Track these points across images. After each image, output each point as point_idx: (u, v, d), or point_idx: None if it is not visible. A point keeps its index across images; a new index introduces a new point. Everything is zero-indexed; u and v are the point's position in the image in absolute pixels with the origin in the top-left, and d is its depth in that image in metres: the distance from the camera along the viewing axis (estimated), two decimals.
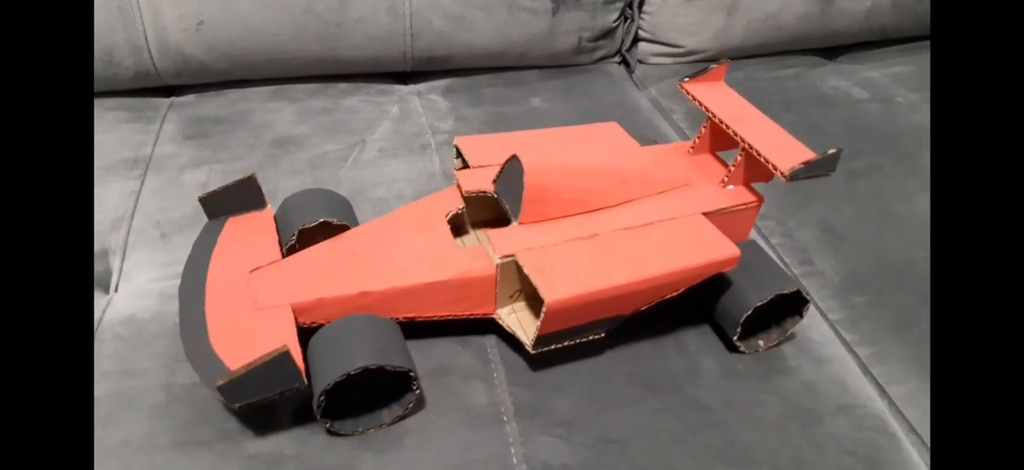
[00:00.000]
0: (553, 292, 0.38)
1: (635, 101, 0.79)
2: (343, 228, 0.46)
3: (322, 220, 0.46)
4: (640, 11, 0.83)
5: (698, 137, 0.52)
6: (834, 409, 0.47)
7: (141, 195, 0.55)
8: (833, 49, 0.91)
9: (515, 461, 0.40)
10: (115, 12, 0.62)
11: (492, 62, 0.75)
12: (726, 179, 0.49)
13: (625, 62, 0.86)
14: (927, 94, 0.81)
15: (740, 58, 0.86)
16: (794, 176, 0.44)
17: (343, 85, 0.72)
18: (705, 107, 0.50)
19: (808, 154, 0.45)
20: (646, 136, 0.70)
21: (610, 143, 0.54)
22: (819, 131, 0.73)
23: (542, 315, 0.38)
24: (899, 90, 0.82)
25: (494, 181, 0.46)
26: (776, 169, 0.44)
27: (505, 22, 0.72)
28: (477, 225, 0.49)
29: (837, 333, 0.56)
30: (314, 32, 0.67)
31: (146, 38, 0.63)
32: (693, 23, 0.81)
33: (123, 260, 0.50)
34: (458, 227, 0.48)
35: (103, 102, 0.66)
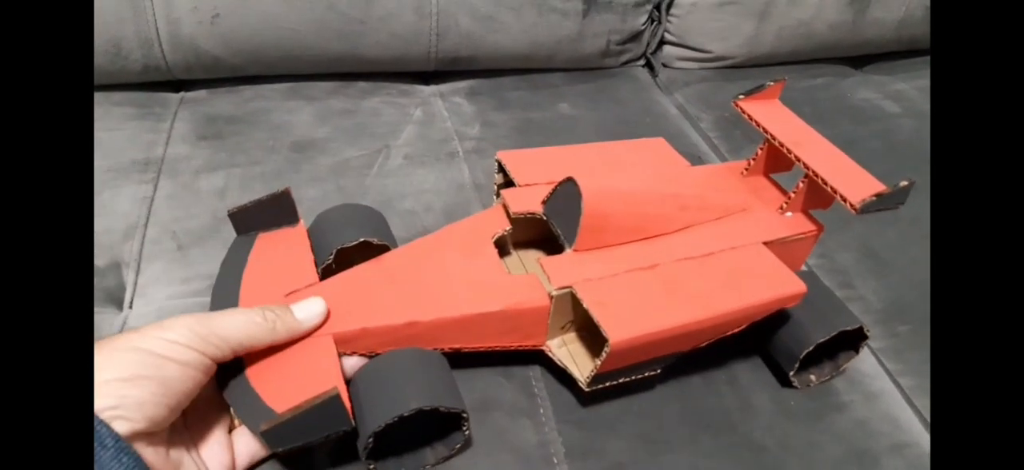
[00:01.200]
0: (617, 331, 0.35)
1: (663, 108, 0.76)
2: (383, 248, 0.43)
3: (362, 240, 0.43)
4: (668, 13, 0.80)
5: (753, 158, 0.50)
6: (888, 448, 0.45)
7: (155, 202, 0.52)
8: (860, 58, 0.89)
9: None
10: (125, 3, 0.58)
11: (518, 64, 0.72)
12: (784, 206, 0.47)
13: (650, 65, 0.84)
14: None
15: (768, 65, 0.84)
16: (865, 209, 0.41)
17: (363, 84, 0.69)
18: (763, 128, 0.47)
19: (878, 185, 0.42)
20: (677, 146, 0.67)
21: (660, 161, 0.51)
22: (856, 147, 0.70)
23: (604, 354, 0.36)
24: (927, 104, 0.80)
25: (544, 203, 0.43)
26: (846, 200, 0.42)
27: (534, 23, 0.69)
28: (517, 246, 0.47)
29: (880, 363, 0.54)
30: (336, 28, 0.63)
31: (157, 30, 0.60)
32: (723, 28, 0.79)
33: (137, 274, 0.47)
34: (503, 249, 0.45)
35: (109, 96, 0.62)
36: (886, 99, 0.80)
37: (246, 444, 0.36)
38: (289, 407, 0.31)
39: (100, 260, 0.47)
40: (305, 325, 0.35)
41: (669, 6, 0.80)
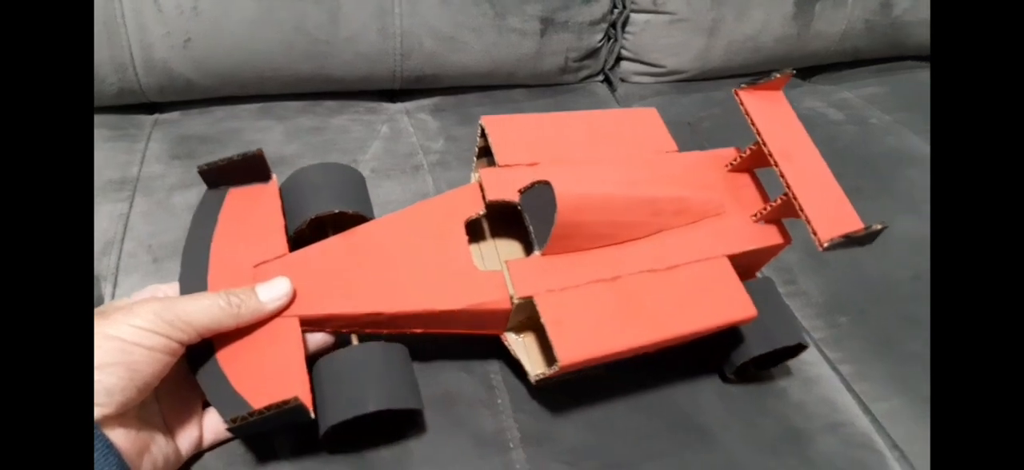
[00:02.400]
0: (567, 353, 0.37)
1: None
2: (360, 218, 0.43)
3: (339, 211, 0.43)
4: (624, 31, 0.84)
5: (742, 154, 0.48)
6: (824, 428, 0.49)
7: (131, 218, 0.54)
8: (807, 70, 0.94)
9: None
10: (100, 28, 0.61)
11: (480, 81, 0.75)
12: (759, 215, 0.47)
13: (608, 81, 0.88)
14: (900, 115, 0.84)
15: (720, 78, 0.88)
16: (831, 247, 0.41)
17: (331, 103, 0.71)
18: (756, 129, 0.45)
19: (853, 221, 0.42)
20: None
21: (647, 140, 0.50)
22: None
23: (554, 369, 0.38)
24: (873, 111, 0.85)
25: (521, 192, 0.42)
26: (815, 234, 0.41)
27: (495, 43, 0.72)
28: (491, 213, 0.45)
29: (821, 352, 0.58)
30: (304, 50, 0.66)
31: (132, 55, 0.62)
32: (675, 44, 0.83)
33: (115, 286, 0.49)
34: (474, 228, 0.45)
35: None
36: (830, 107, 0.85)
37: (214, 422, 0.38)
38: (258, 404, 0.33)
39: None
40: (270, 308, 0.37)
41: (624, 24, 0.84)
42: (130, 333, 0.32)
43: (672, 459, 0.43)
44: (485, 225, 0.46)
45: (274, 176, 0.43)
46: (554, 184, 0.39)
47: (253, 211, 0.41)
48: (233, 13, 0.63)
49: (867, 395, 0.55)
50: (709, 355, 0.49)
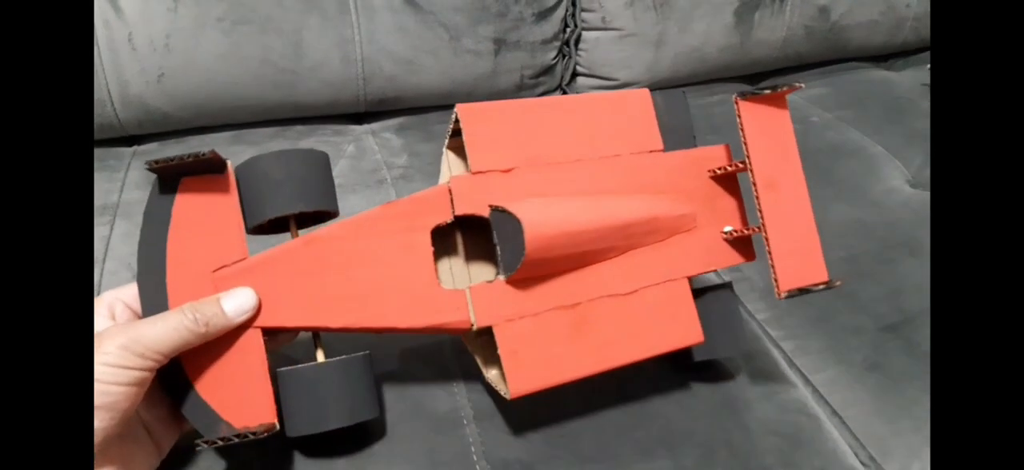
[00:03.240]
0: (519, 386, 0.41)
1: None
2: (325, 214, 0.43)
3: (299, 211, 0.41)
4: (577, 48, 0.89)
5: (733, 164, 0.48)
6: (761, 396, 0.53)
7: (111, 240, 0.58)
8: (755, 76, 1.00)
9: (476, 459, 0.44)
10: None
11: (441, 101, 0.80)
12: (731, 233, 0.48)
13: (565, 95, 0.93)
14: (840, 113, 0.90)
15: (669, 87, 0.93)
16: (788, 297, 0.43)
17: (300, 127, 0.76)
18: (747, 150, 0.44)
19: (815, 275, 0.45)
20: None
21: (632, 134, 0.47)
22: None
23: (506, 394, 0.41)
24: (815, 110, 0.91)
25: (491, 208, 0.42)
26: (776, 281, 0.43)
27: (451, 64, 0.77)
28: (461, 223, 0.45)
29: (764, 331, 0.62)
30: (271, 80, 0.71)
31: (109, 91, 0.67)
32: (625, 57, 0.88)
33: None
34: (439, 231, 0.43)
35: None
36: None
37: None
38: (229, 418, 0.37)
39: None
40: (236, 321, 0.37)
41: (577, 42, 0.89)
42: (103, 372, 0.33)
43: (611, 427, 0.47)
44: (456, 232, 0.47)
45: (229, 164, 0.40)
46: (523, 221, 0.39)
47: (208, 207, 0.39)
48: (203, 48, 0.67)
49: (806, 367, 0.59)
50: None
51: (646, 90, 0.49)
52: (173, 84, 0.68)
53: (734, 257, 0.49)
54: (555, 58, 0.86)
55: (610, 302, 0.44)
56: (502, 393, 0.42)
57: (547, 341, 0.42)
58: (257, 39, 0.69)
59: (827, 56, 1.02)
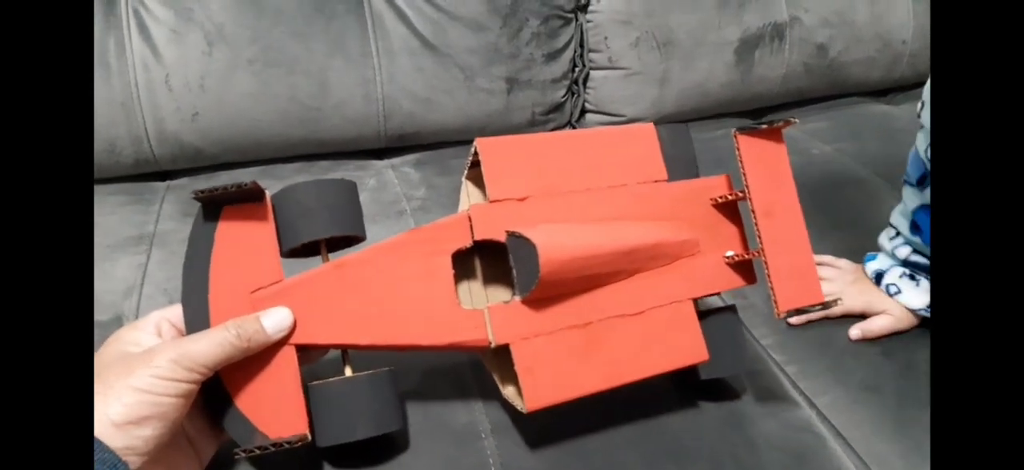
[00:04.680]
0: (534, 401, 0.43)
1: None
2: (353, 239, 0.46)
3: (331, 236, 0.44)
4: (585, 86, 0.94)
5: (733, 193, 0.51)
6: (765, 414, 0.55)
7: (149, 267, 0.62)
8: (757, 111, 1.03)
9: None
10: (118, 108, 0.70)
11: (457, 136, 0.84)
12: (733, 257, 0.51)
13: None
14: (840, 145, 0.93)
15: (676, 122, 0.97)
16: (787, 316, 0.47)
17: (324, 163, 0.80)
18: (746, 180, 0.47)
19: (812, 296, 0.47)
20: None
21: (639, 165, 0.50)
22: None
23: (522, 409, 0.44)
24: (815, 143, 0.94)
25: (508, 234, 0.45)
26: (775, 303, 0.46)
27: (466, 102, 0.81)
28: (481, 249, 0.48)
29: (768, 355, 0.64)
30: (297, 117, 0.75)
31: (146, 130, 0.71)
32: (631, 95, 0.92)
33: None
34: (461, 259, 0.47)
35: (104, 188, 0.73)
36: None
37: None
38: (263, 428, 0.40)
39: (103, 315, 0.57)
40: (275, 339, 0.41)
41: (585, 80, 0.93)
42: (156, 384, 0.35)
43: (621, 440, 0.49)
44: (476, 270, 0.50)
45: (267, 194, 0.44)
46: (538, 245, 0.42)
47: (248, 233, 0.42)
48: (235, 88, 0.72)
49: (810, 390, 0.61)
50: None
51: (651, 124, 0.52)
52: (206, 122, 0.72)
53: (736, 280, 0.51)
54: (564, 96, 0.91)
55: (619, 322, 0.46)
56: (519, 408, 0.45)
57: (561, 358, 0.44)
58: (285, 80, 0.73)
59: (827, 91, 1.06)
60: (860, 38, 1.01)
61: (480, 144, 0.46)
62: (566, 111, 0.93)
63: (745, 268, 0.52)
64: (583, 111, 0.96)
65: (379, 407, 0.43)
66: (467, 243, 0.45)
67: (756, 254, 0.48)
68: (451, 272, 0.45)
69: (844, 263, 0.69)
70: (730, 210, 0.52)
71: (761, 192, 0.47)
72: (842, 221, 0.77)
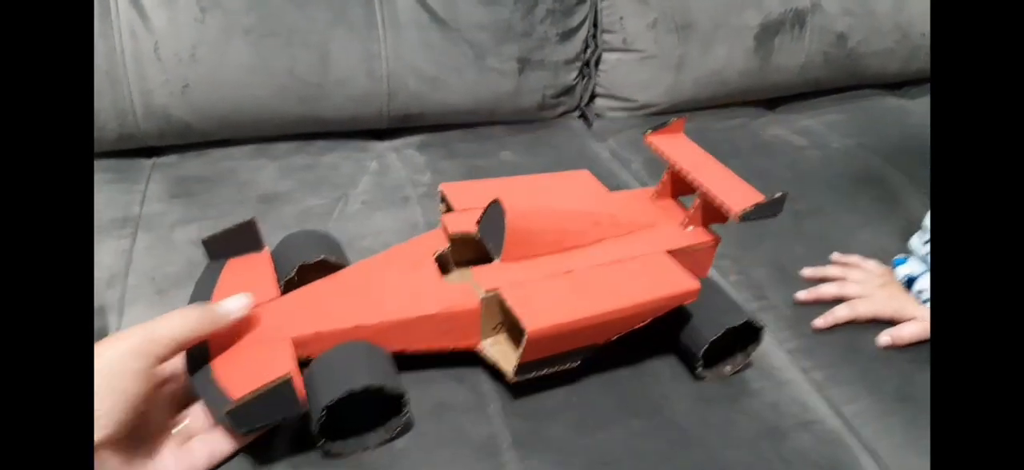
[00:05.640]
0: (533, 322, 0.42)
1: (596, 152, 0.84)
2: (340, 266, 0.49)
3: (322, 258, 0.49)
4: (597, 69, 0.89)
5: (661, 184, 0.57)
6: (797, 426, 0.52)
7: (134, 253, 0.57)
8: (773, 100, 1.00)
9: None
10: (102, 77, 0.64)
11: (463, 119, 0.80)
12: (686, 221, 0.54)
13: (584, 116, 0.92)
14: (860, 139, 0.90)
15: (690, 110, 0.93)
16: (745, 217, 0.49)
17: (321, 143, 0.75)
18: (666, 156, 0.55)
19: (758, 197, 0.51)
20: (610, 185, 0.75)
21: (582, 189, 0.58)
22: (766, 176, 0.79)
23: (523, 344, 0.42)
24: (834, 137, 0.91)
25: (477, 222, 0.49)
26: (729, 211, 0.50)
27: (476, 82, 0.77)
28: (462, 264, 0.53)
29: (794, 360, 0.61)
30: (297, 94, 0.70)
31: (132, 101, 0.66)
32: (645, 80, 0.88)
33: (121, 316, 0.52)
34: (445, 266, 0.51)
35: None
36: (794, 134, 0.90)
37: (203, 445, 0.40)
38: (249, 396, 0.37)
39: None
40: (233, 311, 0.41)
41: (597, 62, 0.89)
42: (116, 362, 0.35)
43: (653, 455, 0.46)
44: (455, 272, 0.52)
45: (266, 247, 0.49)
46: (503, 203, 0.46)
47: (249, 270, 0.47)
48: (229, 60, 0.67)
49: (837, 398, 0.58)
50: (677, 358, 0.53)
51: (586, 171, 0.61)
52: (198, 95, 0.67)
53: (699, 237, 0.54)
54: (575, 78, 0.86)
55: (600, 268, 0.48)
56: (510, 375, 0.45)
57: (551, 293, 0.45)
58: (284, 51, 0.68)
59: (844, 82, 1.02)
60: (880, 29, 0.98)
61: (445, 188, 0.54)
62: (576, 95, 0.89)
63: (703, 229, 0.55)
64: (593, 95, 0.91)
65: (379, 366, 0.42)
66: (445, 244, 0.50)
67: (700, 200, 0.52)
68: (435, 265, 0.48)
69: (872, 265, 0.66)
70: (672, 200, 0.58)
71: (683, 159, 0.55)
72: (869, 220, 0.74)
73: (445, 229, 0.50)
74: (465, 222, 0.50)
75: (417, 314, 0.44)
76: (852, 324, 0.62)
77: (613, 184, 0.77)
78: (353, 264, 0.50)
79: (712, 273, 0.61)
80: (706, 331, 0.50)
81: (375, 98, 0.73)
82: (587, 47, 0.87)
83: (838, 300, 0.63)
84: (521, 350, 0.43)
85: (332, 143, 0.75)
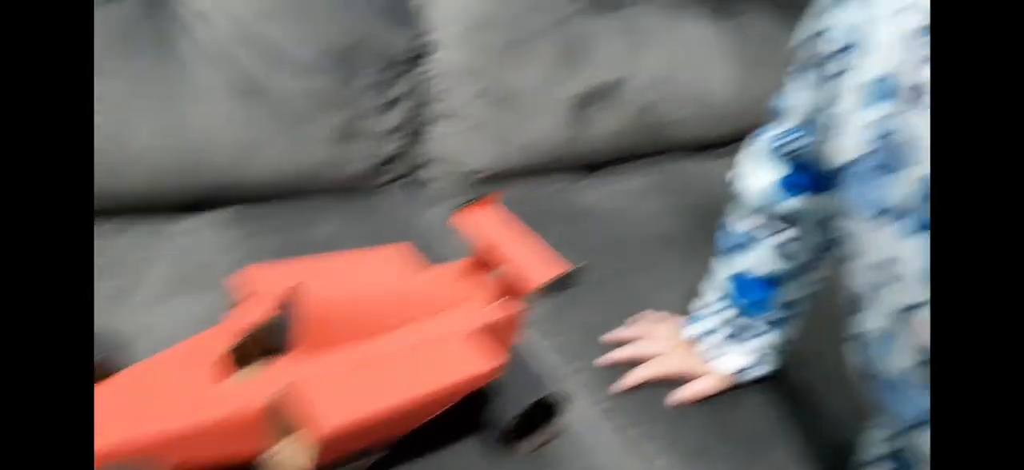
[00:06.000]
0: (327, 421, 0.41)
1: (427, 220, 0.85)
2: (112, 371, 0.44)
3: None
4: (424, 138, 0.91)
5: (475, 258, 0.57)
6: None
7: None
8: (590, 166, 1.06)
9: None
10: None
11: (282, 190, 0.77)
12: (493, 296, 0.55)
13: (416, 183, 0.93)
14: (665, 201, 0.97)
15: (517, 175, 0.96)
16: (542, 291, 0.51)
17: (109, 226, 0.68)
18: (471, 235, 0.56)
19: (560, 268, 0.53)
20: (440, 253, 0.75)
21: (397, 266, 0.56)
22: (581, 241, 0.83)
23: (315, 445, 0.41)
24: (644, 200, 0.98)
25: (272, 312, 0.47)
26: (526, 286, 0.52)
27: (293, 151, 0.75)
28: (260, 357, 0.48)
29: (608, 419, 0.64)
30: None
31: None
32: (471, 148, 0.91)
33: None
34: (244, 360, 0.47)
35: None
36: (605, 199, 0.96)
37: None
38: None
39: None
40: None
41: (424, 131, 0.90)
42: None
43: None
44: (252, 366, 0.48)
45: None
46: (301, 285, 0.44)
47: None
48: None
49: (650, 453, 0.61)
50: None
51: (409, 244, 0.59)
52: None
53: (506, 310, 0.54)
54: (402, 146, 0.87)
55: (400, 354, 0.47)
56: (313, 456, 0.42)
57: (346, 386, 0.43)
58: None
59: (651, 148, 1.11)
60: (682, 99, 1.08)
61: (246, 272, 0.50)
62: (405, 161, 0.89)
63: (512, 301, 0.55)
64: (422, 163, 0.92)
65: None
66: (232, 341, 0.45)
67: (509, 273, 0.52)
68: (216, 365, 0.44)
69: (661, 327, 0.71)
70: (481, 275, 0.57)
71: (489, 234, 0.55)
72: (674, 279, 0.80)
73: (235, 320, 0.47)
74: (258, 311, 0.47)
75: (188, 424, 0.40)
76: (656, 383, 0.67)
77: (439, 254, 0.78)
78: (129, 367, 0.44)
79: (532, 338, 0.62)
80: (509, 408, 0.50)
81: (175, 172, 0.69)
82: (414, 116, 0.88)
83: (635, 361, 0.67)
84: (314, 452, 0.41)
85: (121, 224, 0.69)
